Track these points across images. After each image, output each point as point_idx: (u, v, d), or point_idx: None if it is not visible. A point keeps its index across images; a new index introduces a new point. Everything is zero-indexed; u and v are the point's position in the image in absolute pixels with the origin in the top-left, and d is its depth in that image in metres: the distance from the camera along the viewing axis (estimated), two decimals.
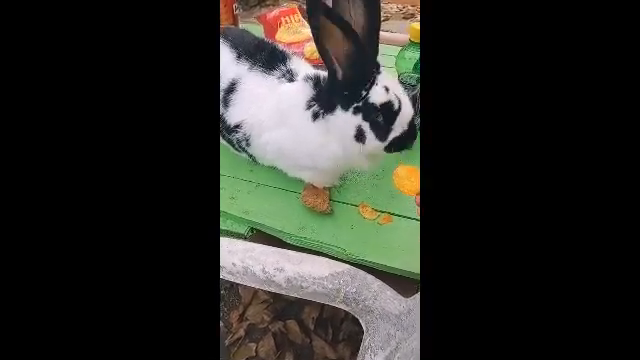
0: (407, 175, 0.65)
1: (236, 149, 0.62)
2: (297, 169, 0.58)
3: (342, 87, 0.47)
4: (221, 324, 0.93)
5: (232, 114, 0.56)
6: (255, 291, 0.98)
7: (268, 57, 0.56)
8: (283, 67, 0.55)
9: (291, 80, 0.54)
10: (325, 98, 0.50)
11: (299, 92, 0.52)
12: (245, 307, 0.96)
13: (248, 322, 0.93)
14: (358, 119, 0.48)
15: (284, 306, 0.95)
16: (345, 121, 0.48)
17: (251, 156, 0.61)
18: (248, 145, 0.58)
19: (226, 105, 0.56)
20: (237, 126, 0.57)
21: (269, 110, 0.54)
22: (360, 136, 0.49)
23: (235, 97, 0.56)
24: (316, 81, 0.51)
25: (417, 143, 0.69)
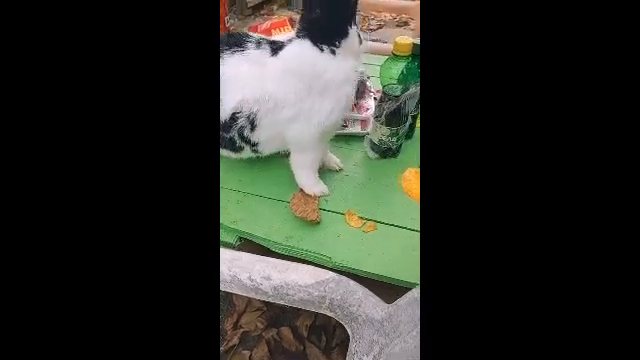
0: (416, 179, 0.65)
1: (236, 147, 0.59)
2: (333, 114, 0.56)
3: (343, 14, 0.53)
4: None
5: (224, 106, 0.54)
6: (249, 299, 0.99)
7: (231, 42, 0.55)
8: (251, 39, 0.55)
9: (275, 47, 0.54)
10: (328, 32, 0.52)
11: (302, 47, 0.52)
12: (239, 315, 0.96)
13: (242, 330, 0.93)
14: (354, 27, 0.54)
15: (278, 313, 0.96)
16: (354, 32, 0.53)
17: (254, 145, 0.59)
18: (253, 129, 0.56)
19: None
20: (236, 113, 0.54)
21: (282, 80, 0.53)
22: (359, 37, 0.55)
23: (221, 89, 0.54)
24: (300, 34, 0.53)
25: (417, 147, 0.71)
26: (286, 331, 0.93)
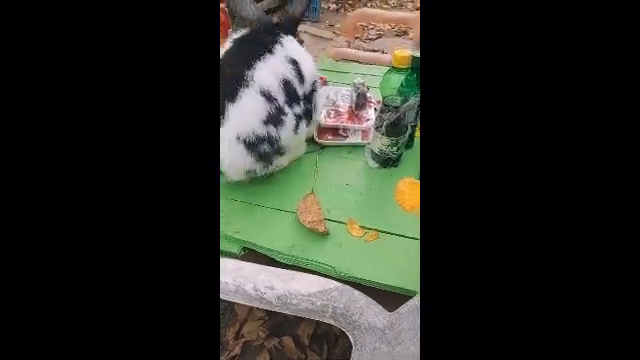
0: (409, 190, 0.66)
1: (309, 117, 0.68)
2: None
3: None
4: None
5: (305, 77, 0.65)
6: (251, 308, 0.99)
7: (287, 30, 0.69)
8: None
9: (300, 43, 0.71)
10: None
11: None
12: (241, 324, 0.97)
13: (244, 339, 0.94)
14: None
15: (280, 322, 0.97)
16: None
17: (311, 119, 0.70)
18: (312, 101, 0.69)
19: (302, 80, 0.64)
20: (315, 83, 0.68)
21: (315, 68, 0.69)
22: None
23: (302, 67, 0.64)
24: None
25: (416, 156, 0.72)
26: (288, 340, 0.93)
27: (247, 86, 0.57)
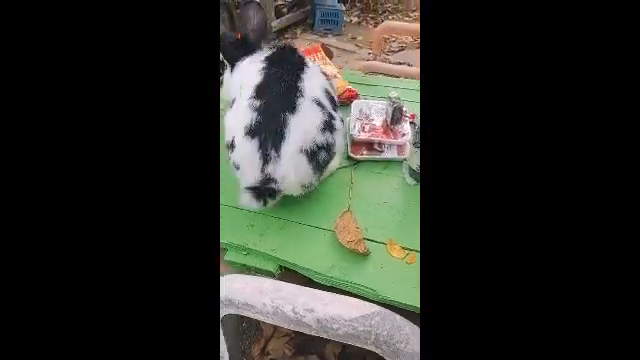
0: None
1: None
2: None
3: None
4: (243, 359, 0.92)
5: (335, 92, 0.72)
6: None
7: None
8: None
9: None
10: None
11: None
12: (266, 340, 0.95)
13: (270, 357, 0.91)
14: None
15: (305, 340, 0.94)
16: None
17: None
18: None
19: (334, 89, 0.70)
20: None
21: None
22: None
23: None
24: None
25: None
26: (314, 359, 0.91)
27: (302, 96, 0.59)
